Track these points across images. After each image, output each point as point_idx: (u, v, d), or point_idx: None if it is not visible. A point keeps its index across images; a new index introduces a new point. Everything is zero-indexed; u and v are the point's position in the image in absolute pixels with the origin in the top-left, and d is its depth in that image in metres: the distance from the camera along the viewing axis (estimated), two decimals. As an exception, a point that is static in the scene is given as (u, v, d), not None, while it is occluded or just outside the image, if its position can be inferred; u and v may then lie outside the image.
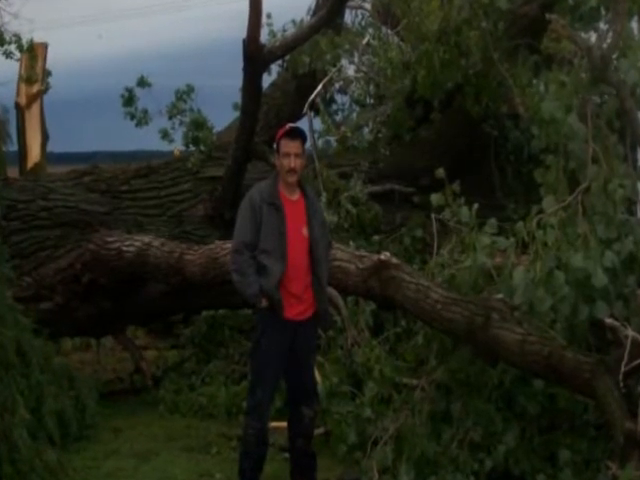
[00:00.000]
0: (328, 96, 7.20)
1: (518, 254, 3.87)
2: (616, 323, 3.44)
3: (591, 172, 3.71)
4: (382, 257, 4.25)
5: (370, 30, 7.26)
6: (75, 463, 4.46)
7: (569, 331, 3.72)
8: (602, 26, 4.26)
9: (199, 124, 6.65)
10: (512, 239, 3.89)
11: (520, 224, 3.78)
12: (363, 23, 7.44)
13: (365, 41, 7.02)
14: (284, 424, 4.14)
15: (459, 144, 6.60)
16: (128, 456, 4.71)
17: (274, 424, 4.26)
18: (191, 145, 6.67)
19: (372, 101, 7.35)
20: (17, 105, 9.95)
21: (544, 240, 3.64)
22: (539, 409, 3.93)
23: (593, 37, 4.28)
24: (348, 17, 7.42)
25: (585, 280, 3.49)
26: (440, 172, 4.45)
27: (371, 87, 7.24)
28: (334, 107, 7.48)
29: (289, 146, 3.92)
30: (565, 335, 3.68)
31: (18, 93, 9.90)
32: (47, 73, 9.96)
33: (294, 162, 3.91)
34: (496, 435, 3.92)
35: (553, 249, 3.61)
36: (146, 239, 5.50)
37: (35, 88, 9.88)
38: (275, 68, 7.13)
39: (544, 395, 3.92)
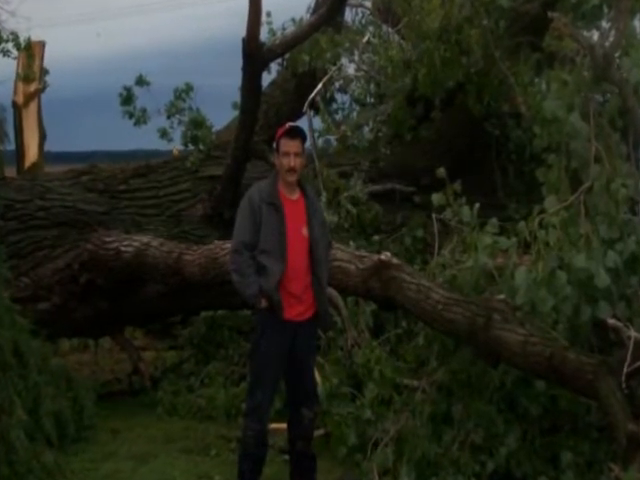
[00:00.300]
0: (328, 95, 7.17)
1: (520, 254, 3.84)
2: (619, 324, 3.42)
3: (593, 171, 3.68)
4: (382, 257, 4.23)
5: (370, 28, 7.24)
6: (73, 465, 4.43)
7: (571, 332, 3.68)
8: (604, 24, 4.23)
9: (198, 123, 6.62)
10: (514, 239, 3.86)
11: (522, 224, 3.76)
12: (363, 21, 7.41)
13: (365, 39, 6.99)
14: (284, 426, 4.11)
15: (460, 143, 6.57)
16: (126, 458, 4.68)
17: (274, 426, 4.22)
18: (190, 144, 6.64)
19: (372, 100, 7.32)
20: (14, 104, 9.90)
21: (546, 240, 3.62)
22: (541, 410, 3.89)
23: (595, 35, 4.26)
24: (348, 15, 7.41)
25: (587, 280, 3.47)
26: (441, 171, 4.43)
27: (371, 86, 7.21)
28: (334, 106, 7.46)
29: (289, 145, 3.89)
30: (567, 336, 3.65)
31: (15, 92, 9.85)
32: (45, 72, 9.92)
33: (294, 161, 3.88)
34: (498, 437, 3.89)
35: (555, 249, 3.59)
36: (144, 239, 5.47)
37: (32, 87, 9.83)
38: (275, 67, 7.10)
39: (546, 396, 3.89)
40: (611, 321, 3.44)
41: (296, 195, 3.96)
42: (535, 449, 3.86)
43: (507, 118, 6.46)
